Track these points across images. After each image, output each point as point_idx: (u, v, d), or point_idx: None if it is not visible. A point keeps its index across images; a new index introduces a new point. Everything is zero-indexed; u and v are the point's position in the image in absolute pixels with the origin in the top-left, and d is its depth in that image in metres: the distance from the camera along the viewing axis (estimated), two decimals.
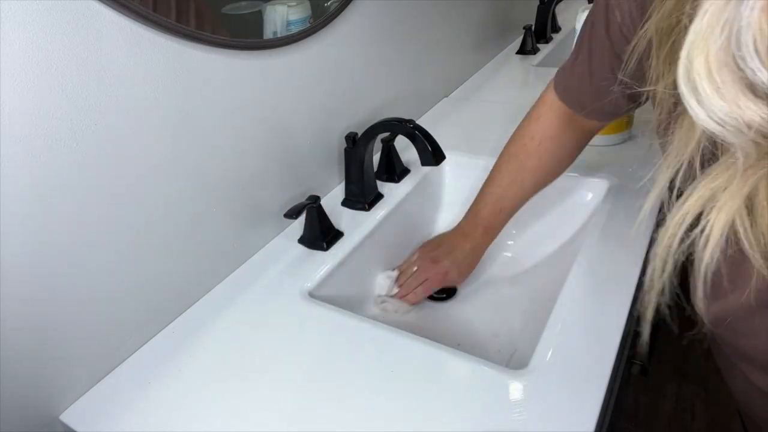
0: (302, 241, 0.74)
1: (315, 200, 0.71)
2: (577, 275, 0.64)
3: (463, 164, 0.90)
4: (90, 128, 0.50)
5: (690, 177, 0.35)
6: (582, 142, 0.70)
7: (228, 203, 0.68)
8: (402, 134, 0.72)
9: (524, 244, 0.85)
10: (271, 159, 0.73)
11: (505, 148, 0.72)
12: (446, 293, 0.80)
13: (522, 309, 0.76)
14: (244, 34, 0.65)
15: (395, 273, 0.77)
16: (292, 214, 0.68)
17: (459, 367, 0.54)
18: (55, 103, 0.47)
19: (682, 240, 0.34)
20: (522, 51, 1.40)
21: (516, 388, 0.51)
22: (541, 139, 0.67)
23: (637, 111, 0.89)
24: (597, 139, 0.90)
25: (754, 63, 0.27)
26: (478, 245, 0.74)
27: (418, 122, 0.70)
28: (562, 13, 1.62)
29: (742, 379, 0.52)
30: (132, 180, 0.55)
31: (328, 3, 0.77)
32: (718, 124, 0.29)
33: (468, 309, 0.78)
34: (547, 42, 1.47)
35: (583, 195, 0.82)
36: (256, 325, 0.62)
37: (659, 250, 0.36)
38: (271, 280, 0.69)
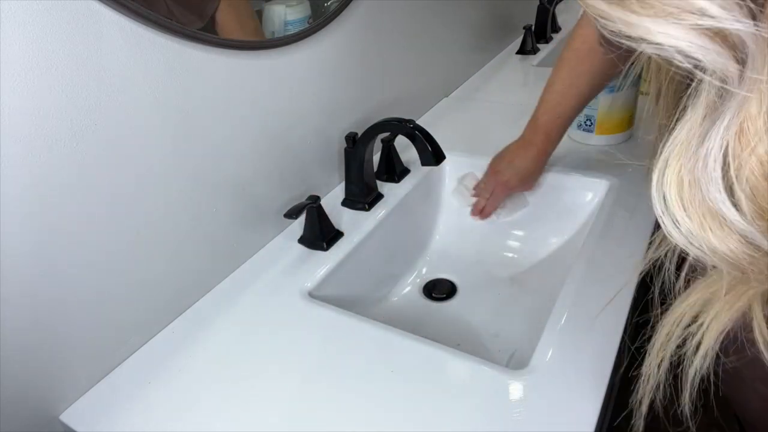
0: (302, 241, 0.74)
1: (315, 200, 0.71)
2: (577, 275, 0.64)
3: (463, 164, 0.90)
4: (90, 128, 0.50)
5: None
6: None
7: (228, 203, 0.68)
8: (402, 134, 0.72)
9: (524, 244, 0.85)
10: (271, 159, 0.73)
11: (560, 54, 0.74)
12: (446, 293, 0.81)
13: (522, 309, 0.76)
14: None
15: (473, 182, 0.86)
16: (292, 214, 0.68)
17: (459, 367, 0.54)
18: (55, 103, 0.47)
19: (679, 339, 0.34)
20: (522, 51, 1.40)
21: (516, 388, 0.51)
22: (593, 40, 0.67)
23: (638, 111, 0.89)
24: (597, 139, 0.90)
25: (718, 194, 0.25)
26: (539, 152, 0.77)
27: (418, 122, 0.70)
28: (562, 13, 1.62)
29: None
30: (132, 180, 0.55)
31: (328, 3, 0.77)
32: (687, 240, 0.28)
33: (468, 309, 0.78)
34: (547, 42, 1.47)
35: (583, 195, 0.82)
36: (256, 325, 0.62)
37: (656, 345, 0.35)
38: (271, 280, 0.69)
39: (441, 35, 1.10)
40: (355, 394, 0.52)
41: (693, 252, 0.28)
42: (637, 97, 0.89)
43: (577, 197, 0.83)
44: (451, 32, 1.14)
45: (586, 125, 0.91)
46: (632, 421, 0.41)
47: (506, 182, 0.80)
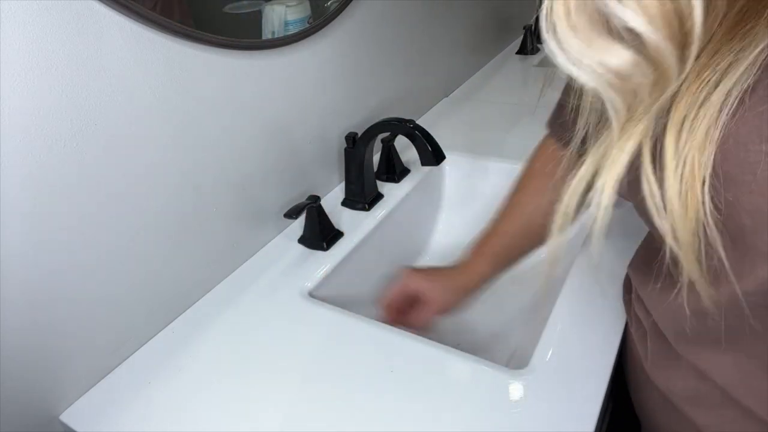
0: (302, 241, 0.74)
1: (315, 200, 0.71)
2: (577, 275, 0.64)
3: (463, 164, 0.91)
4: (90, 128, 0.50)
5: None
6: None
7: (228, 203, 0.68)
8: (402, 134, 0.72)
9: None
10: (271, 159, 0.73)
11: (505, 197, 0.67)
12: None
13: (522, 309, 0.76)
14: (243, 34, 0.65)
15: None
16: (292, 214, 0.69)
17: (459, 367, 0.54)
18: (55, 103, 0.47)
19: (578, 206, 0.35)
20: (522, 51, 1.40)
21: (516, 388, 0.51)
22: (545, 166, 0.62)
23: None
24: None
25: (612, 4, 0.27)
26: (467, 268, 0.66)
27: (418, 122, 0.70)
28: None
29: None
30: (132, 179, 0.55)
31: (328, 3, 0.77)
32: (575, 65, 0.29)
33: (468, 309, 0.78)
34: None
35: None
36: (256, 325, 0.62)
37: (557, 217, 0.36)
38: (271, 280, 0.69)
39: (441, 35, 1.10)
40: (355, 394, 0.52)
41: (581, 76, 0.29)
42: None
43: None
44: (451, 32, 1.14)
45: None
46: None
47: (409, 272, 0.66)
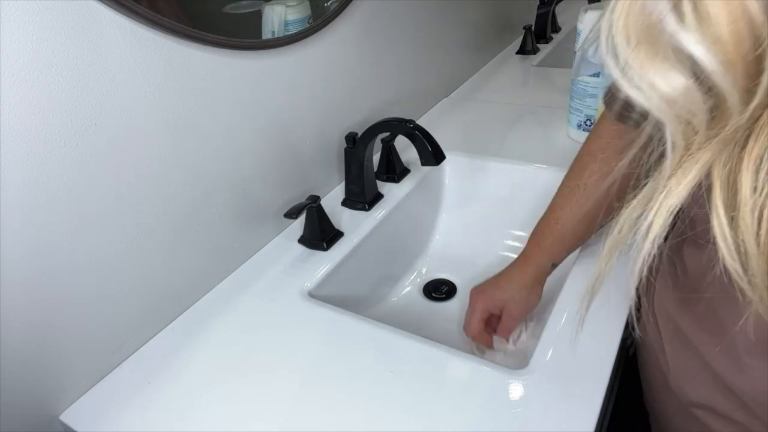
0: (302, 241, 0.74)
1: (315, 200, 0.71)
2: (577, 275, 0.64)
3: (463, 164, 0.91)
4: (90, 128, 0.50)
5: None
6: None
7: (228, 203, 0.68)
8: (402, 134, 0.72)
9: (525, 244, 0.85)
10: (271, 159, 0.73)
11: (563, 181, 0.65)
12: (446, 293, 0.81)
13: None
14: (243, 34, 0.65)
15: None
16: (292, 214, 0.68)
17: (459, 367, 0.54)
18: (55, 103, 0.47)
19: (629, 232, 0.33)
20: (522, 51, 1.40)
21: (516, 388, 0.51)
22: (606, 145, 0.60)
23: None
24: None
25: (671, 25, 0.25)
26: (528, 262, 0.65)
27: (418, 122, 0.70)
28: (562, 13, 1.62)
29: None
30: (132, 180, 0.55)
31: (328, 3, 0.77)
32: (628, 81, 0.27)
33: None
34: (547, 42, 1.47)
35: None
36: (256, 325, 0.62)
37: (609, 240, 0.34)
38: (271, 280, 0.69)
39: (441, 35, 1.10)
40: (355, 394, 0.52)
41: (635, 95, 0.27)
42: None
43: None
44: (451, 32, 1.14)
45: (587, 125, 0.91)
46: (578, 314, 0.39)
47: (480, 292, 0.66)
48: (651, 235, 0.30)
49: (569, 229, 0.62)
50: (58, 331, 0.52)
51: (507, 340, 0.65)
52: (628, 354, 0.65)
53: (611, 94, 0.57)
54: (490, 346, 0.65)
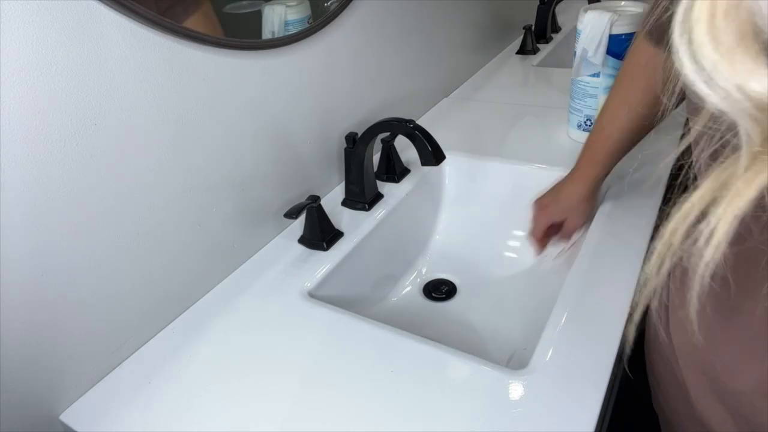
0: (302, 241, 0.74)
1: (315, 200, 0.71)
2: (577, 275, 0.64)
3: (463, 164, 0.91)
4: (90, 128, 0.50)
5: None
6: None
7: (228, 203, 0.68)
8: (402, 134, 0.72)
9: (525, 244, 0.85)
10: (271, 159, 0.73)
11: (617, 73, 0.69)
12: (446, 293, 0.81)
13: (522, 309, 0.76)
14: (243, 33, 0.65)
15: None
16: (292, 214, 0.69)
17: (459, 367, 0.54)
18: (55, 103, 0.47)
19: (685, 237, 0.30)
20: (522, 51, 1.40)
21: (516, 388, 0.51)
22: (650, 54, 0.62)
23: None
24: None
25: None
26: (582, 175, 0.72)
27: (418, 122, 0.70)
28: (562, 13, 1.62)
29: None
30: (132, 180, 0.55)
31: (328, 3, 0.77)
32: (706, 83, 0.25)
33: (468, 309, 0.78)
34: (547, 42, 1.47)
35: None
36: (256, 325, 0.62)
37: (658, 245, 0.32)
38: (271, 280, 0.69)
39: (441, 35, 1.10)
40: (355, 394, 0.52)
41: (712, 96, 0.25)
42: None
43: None
44: (451, 32, 1.14)
45: (587, 125, 0.91)
46: (625, 328, 0.38)
47: (543, 206, 0.76)
48: (715, 241, 0.28)
49: (621, 142, 0.68)
50: (58, 331, 0.52)
51: (566, 244, 0.78)
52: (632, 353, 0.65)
53: (655, 21, 0.58)
54: (543, 249, 0.79)
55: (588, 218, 0.75)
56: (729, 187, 0.27)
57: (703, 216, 0.29)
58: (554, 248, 0.80)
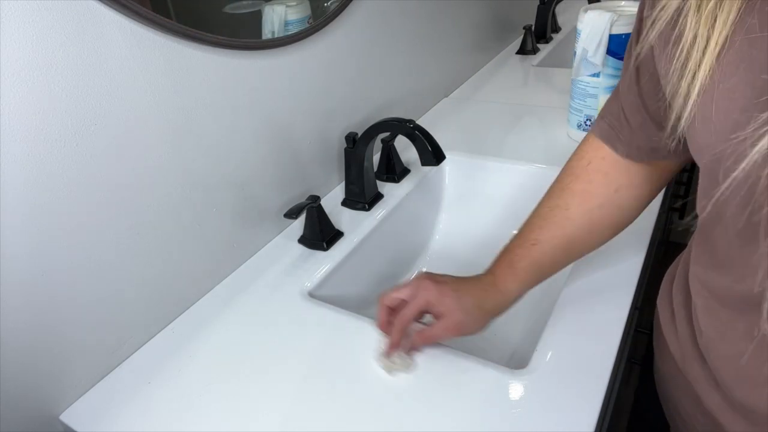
0: (302, 241, 0.74)
1: (315, 200, 0.71)
2: (577, 275, 0.64)
3: (463, 164, 0.91)
4: (90, 128, 0.50)
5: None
6: (651, 183, 0.53)
7: (228, 203, 0.68)
8: (402, 134, 0.72)
9: None
10: (271, 159, 0.73)
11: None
12: None
13: (522, 309, 0.76)
14: (243, 34, 0.65)
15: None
16: (292, 214, 0.69)
17: (459, 367, 0.54)
18: (55, 103, 0.47)
19: None
20: (522, 51, 1.40)
21: (516, 388, 0.51)
22: (592, 166, 0.54)
23: None
24: None
25: None
26: (488, 282, 0.57)
27: (418, 122, 0.70)
28: (562, 13, 1.62)
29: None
30: (132, 180, 0.55)
31: (328, 3, 0.77)
32: None
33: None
34: (547, 42, 1.47)
35: None
36: (256, 325, 0.62)
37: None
38: (271, 280, 0.69)
39: (441, 35, 1.10)
40: (355, 394, 0.52)
41: None
42: None
43: None
44: (451, 32, 1.14)
45: (586, 125, 0.91)
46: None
47: (436, 284, 0.55)
48: None
49: (547, 253, 0.55)
50: (58, 331, 0.52)
51: (410, 355, 0.55)
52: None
53: (605, 113, 0.54)
54: (381, 323, 0.56)
55: (466, 334, 0.54)
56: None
57: None
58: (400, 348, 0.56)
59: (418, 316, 0.55)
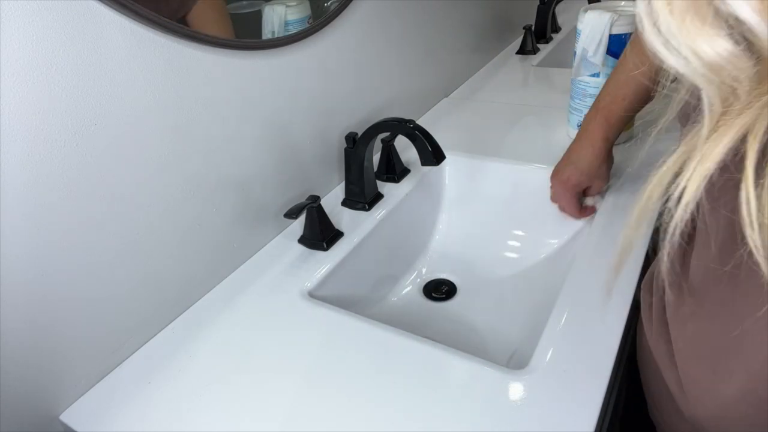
0: (302, 241, 0.74)
1: (315, 200, 0.71)
2: (577, 275, 0.64)
3: (463, 164, 0.91)
4: (90, 128, 0.50)
5: None
6: None
7: (228, 203, 0.68)
8: (402, 134, 0.72)
9: (525, 244, 0.85)
10: (271, 159, 0.73)
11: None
12: (446, 293, 0.81)
13: (522, 309, 0.76)
14: (243, 33, 0.65)
15: None
16: (292, 214, 0.69)
17: (459, 367, 0.54)
18: (55, 103, 0.47)
19: (660, 198, 0.32)
20: (522, 51, 1.40)
21: (516, 388, 0.51)
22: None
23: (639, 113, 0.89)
24: None
25: None
26: (595, 138, 0.72)
27: (418, 122, 0.70)
28: (562, 13, 1.62)
29: None
30: (132, 180, 0.55)
31: (328, 3, 0.77)
32: (665, 46, 0.26)
33: (468, 309, 0.78)
34: (547, 42, 1.47)
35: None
36: (256, 325, 0.62)
37: (636, 208, 0.33)
38: (271, 280, 0.69)
39: (441, 35, 1.10)
40: (355, 394, 0.52)
41: (669, 59, 0.26)
42: None
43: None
44: (451, 32, 1.14)
45: None
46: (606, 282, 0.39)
47: (566, 181, 0.75)
48: (684, 201, 0.29)
49: (634, 103, 0.69)
50: (58, 331, 0.52)
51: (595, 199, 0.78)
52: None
53: None
54: (585, 215, 0.78)
55: (609, 178, 0.76)
56: (698, 150, 0.29)
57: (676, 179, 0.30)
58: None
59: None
